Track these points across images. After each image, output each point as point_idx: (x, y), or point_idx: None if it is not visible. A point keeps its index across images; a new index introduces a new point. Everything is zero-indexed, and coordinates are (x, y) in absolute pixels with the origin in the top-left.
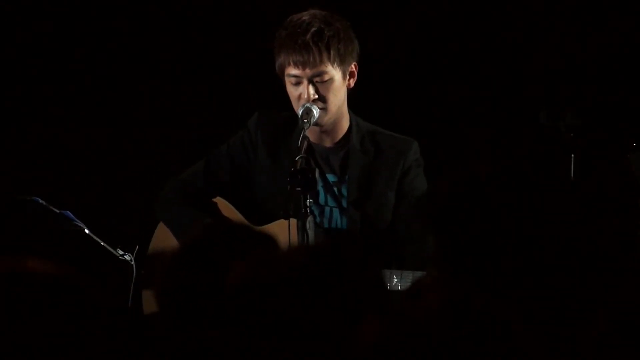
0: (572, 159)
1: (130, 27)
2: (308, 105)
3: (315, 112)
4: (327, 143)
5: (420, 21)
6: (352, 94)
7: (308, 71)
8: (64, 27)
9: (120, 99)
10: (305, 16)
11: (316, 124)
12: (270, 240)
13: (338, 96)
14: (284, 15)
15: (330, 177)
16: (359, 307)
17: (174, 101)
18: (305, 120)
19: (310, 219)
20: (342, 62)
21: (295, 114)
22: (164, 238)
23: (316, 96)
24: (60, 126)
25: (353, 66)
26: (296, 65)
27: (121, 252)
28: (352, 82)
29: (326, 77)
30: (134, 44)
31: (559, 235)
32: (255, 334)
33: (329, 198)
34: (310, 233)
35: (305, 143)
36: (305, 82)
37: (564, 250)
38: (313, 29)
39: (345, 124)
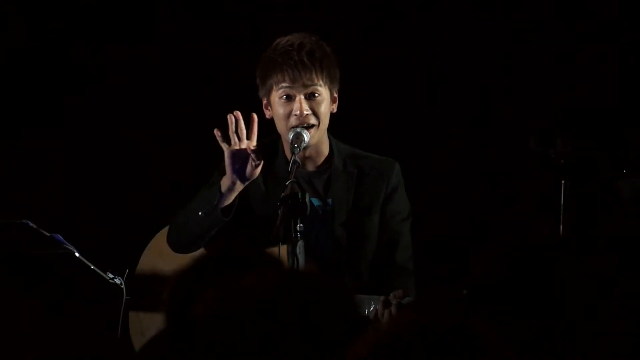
0: (562, 186)
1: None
2: (299, 130)
3: (306, 136)
4: (310, 167)
5: (408, 41)
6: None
7: (302, 87)
8: (63, 31)
9: (111, 123)
10: (295, 38)
11: (305, 146)
12: (278, 262)
13: (327, 115)
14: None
15: (315, 201)
16: (334, 337)
17: (164, 126)
18: (295, 145)
19: (300, 243)
20: (331, 84)
21: (275, 140)
22: (151, 262)
23: (309, 111)
24: (50, 149)
25: (335, 91)
26: (290, 80)
27: (111, 276)
28: (335, 108)
29: (318, 95)
30: (130, 50)
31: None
32: None
33: (314, 222)
34: (301, 258)
35: (295, 168)
36: (299, 97)
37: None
38: (306, 49)
39: (326, 148)
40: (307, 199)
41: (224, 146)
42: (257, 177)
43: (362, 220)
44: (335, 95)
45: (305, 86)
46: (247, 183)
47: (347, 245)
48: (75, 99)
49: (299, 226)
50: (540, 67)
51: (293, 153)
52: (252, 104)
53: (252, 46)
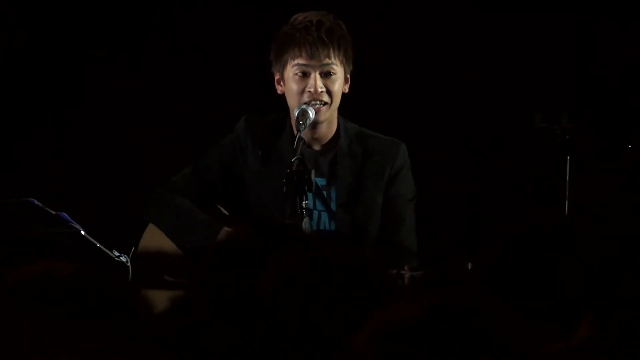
0: (568, 162)
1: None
2: (304, 107)
3: (311, 113)
4: (316, 146)
5: (414, 23)
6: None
7: (318, 64)
8: (63, 32)
9: (116, 100)
10: (314, 15)
11: (316, 122)
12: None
13: (339, 94)
14: (277, 18)
15: (319, 181)
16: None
17: (170, 102)
18: (301, 122)
19: (306, 220)
20: (346, 63)
21: (283, 117)
22: (153, 239)
23: (324, 89)
24: (55, 127)
25: (349, 72)
26: (308, 56)
27: (117, 254)
28: (347, 88)
29: (333, 73)
30: (130, 49)
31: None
32: (294, 336)
33: (318, 201)
34: None
35: (301, 145)
36: (314, 74)
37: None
38: (326, 26)
39: (334, 127)
40: (312, 176)
41: None
42: (252, 154)
43: (365, 201)
44: (348, 75)
45: (322, 64)
46: None
47: (350, 226)
48: (76, 99)
49: (304, 203)
50: (545, 42)
51: (299, 130)
52: (252, 104)
53: (252, 46)
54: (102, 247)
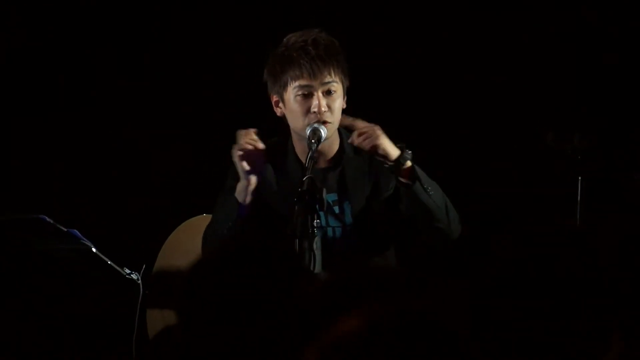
0: (579, 182)
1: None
2: (316, 125)
3: (323, 132)
4: (321, 164)
5: (425, 41)
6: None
7: (320, 82)
8: (63, 32)
9: (116, 100)
10: (308, 34)
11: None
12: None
13: (340, 111)
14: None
15: (330, 197)
16: None
17: (170, 102)
18: (313, 141)
19: (317, 239)
20: (344, 79)
21: (283, 139)
22: (169, 257)
23: (327, 108)
24: (55, 127)
25: (346, 87)
26: (309, 76)
27: (128, 271)
28: (344, 103)
29: (334, 91)
30: (130, 49)
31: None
32: None
33: (330, 218)
34: (318, 254)
35: (312, 163)
36: (317, 93)
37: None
38: (322, 44)
39: (336, 143)
40: (324, 195)
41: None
42: (270, 177)
43: (384, 196)
44: (344, 91)
45: (323, 82)
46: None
47: (371, 225)
48: (75, 99)
49: (316, 222)
50: (558, 61)
51: (310, 149)
52: (252, 104)
53: (252, 46)
54: (113, 264)
